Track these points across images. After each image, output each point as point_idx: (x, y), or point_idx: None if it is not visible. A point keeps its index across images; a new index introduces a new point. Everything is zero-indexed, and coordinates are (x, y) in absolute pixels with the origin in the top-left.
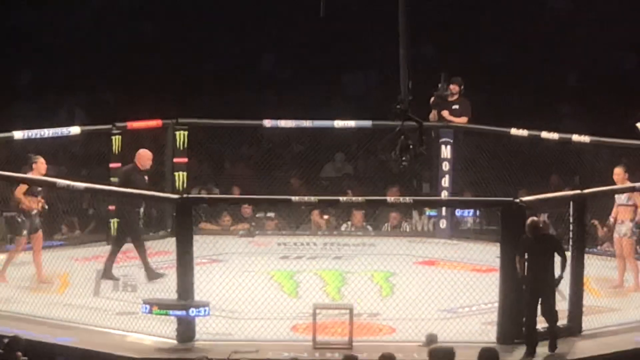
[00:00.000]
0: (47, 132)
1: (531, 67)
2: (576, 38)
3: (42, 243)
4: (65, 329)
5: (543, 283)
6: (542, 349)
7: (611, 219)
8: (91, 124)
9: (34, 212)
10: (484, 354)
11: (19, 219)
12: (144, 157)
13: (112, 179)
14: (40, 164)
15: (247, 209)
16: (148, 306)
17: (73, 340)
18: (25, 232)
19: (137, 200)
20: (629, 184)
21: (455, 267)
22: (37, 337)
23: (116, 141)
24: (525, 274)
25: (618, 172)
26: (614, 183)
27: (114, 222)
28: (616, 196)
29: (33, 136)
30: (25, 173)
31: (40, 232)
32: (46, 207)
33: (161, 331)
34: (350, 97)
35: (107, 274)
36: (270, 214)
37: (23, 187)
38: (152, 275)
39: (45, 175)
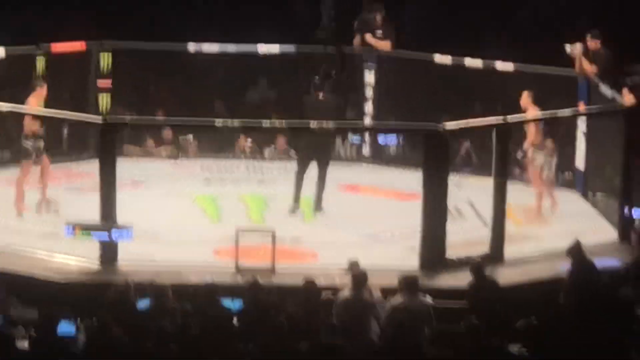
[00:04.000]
0: None
1: None
2: None
3: (49, 165)
4: None
5: None
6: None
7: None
8: (14, 45)
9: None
10: (405, 280)
11: (25, 145)
12: None
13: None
14: (44, 89)
15: (168, 132)
16: (71, 227)
17: None
18: (34, 155)
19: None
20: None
21: (377, 192)
22: None
23: (40, 62)
24: None
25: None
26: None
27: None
28: None
29: None
30: (28, 95)
31: (45, 156)
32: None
33: (84, 254)
34: (276, 22)
35: (318, 205)
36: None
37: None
38: (319, 206)
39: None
